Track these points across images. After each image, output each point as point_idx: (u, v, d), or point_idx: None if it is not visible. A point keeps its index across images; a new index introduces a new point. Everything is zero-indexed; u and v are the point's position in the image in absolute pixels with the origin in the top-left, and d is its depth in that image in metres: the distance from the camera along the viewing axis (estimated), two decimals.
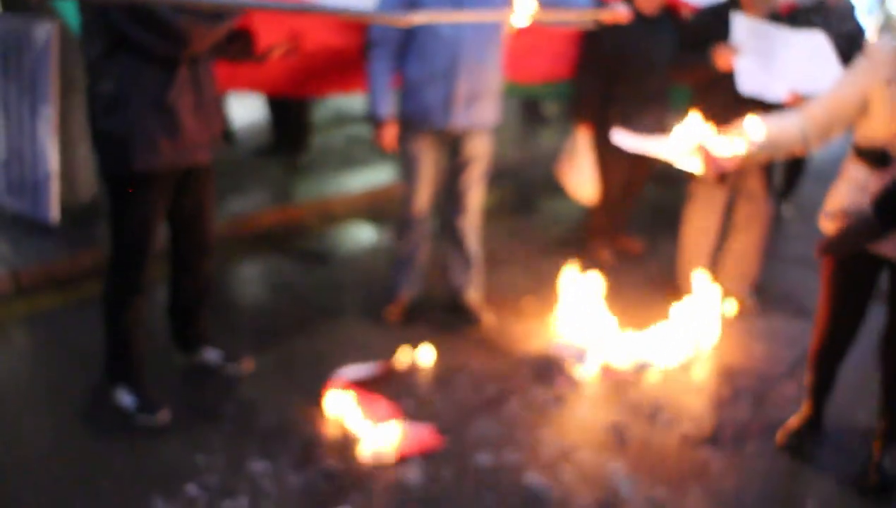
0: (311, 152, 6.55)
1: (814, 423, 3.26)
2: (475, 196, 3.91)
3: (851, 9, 4.03)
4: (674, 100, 5.00)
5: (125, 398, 3.12)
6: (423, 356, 3.68)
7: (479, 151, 3.81)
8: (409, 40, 3.54)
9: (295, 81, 4.02)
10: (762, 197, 4.24)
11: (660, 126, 4.85)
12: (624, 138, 3.01)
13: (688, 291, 4.23)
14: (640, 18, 4.50)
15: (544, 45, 4.52)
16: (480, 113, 3.68)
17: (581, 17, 3.75)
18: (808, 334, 4.18)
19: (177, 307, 3.39)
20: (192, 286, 3.33)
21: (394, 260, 4.04)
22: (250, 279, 4.70)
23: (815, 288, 4.79)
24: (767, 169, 4.19)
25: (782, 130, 2.77)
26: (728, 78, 3.88)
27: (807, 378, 3.24)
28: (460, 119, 3.63)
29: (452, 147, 3.78)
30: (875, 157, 2.71)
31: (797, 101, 3.82)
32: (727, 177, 3.99)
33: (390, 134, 3.66)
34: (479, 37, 3.54)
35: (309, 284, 4.52)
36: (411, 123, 3.68)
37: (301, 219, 5.41)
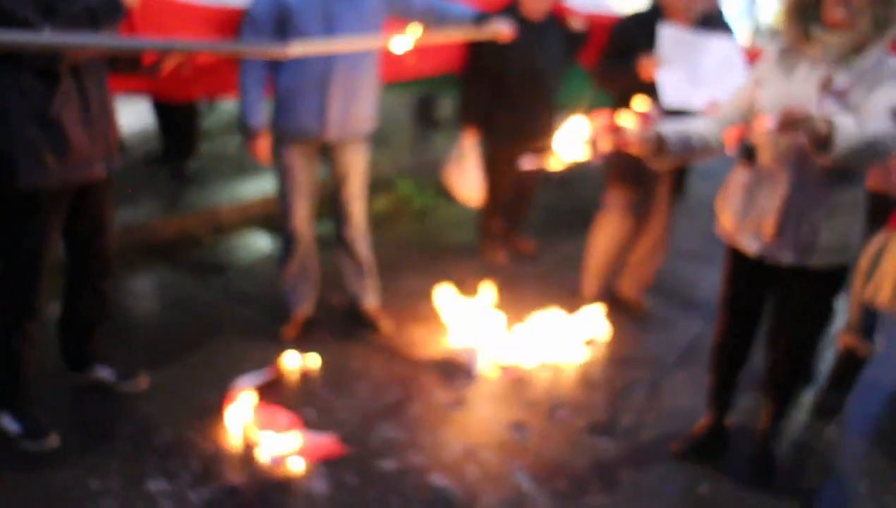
0: (202, 159, 6.40)
1: (716, 433, 3.28)
2: (359, 205, 3.88)
3: (720, 14, 4.18)
4: (563, 105, 5.13)
5: (11, 425, 2.99)
6: (311, 360, 3.68)
7: (357, 161, 3.77)
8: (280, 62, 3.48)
9: (183, 84, 3.92)
10: (667, 203, 4.30)
11: (547, 130, 4.98)
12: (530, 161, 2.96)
13: (591, 297, 4.34)
14: (525, 23, 4.58)
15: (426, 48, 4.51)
16: (355, 121, 3.64)
17: (463, 34, 3.72)
18: (696, 323, 4.43)
19: (71, 325, 3.26)
20: (91, 306, 3.21)
21: (284, 277, 3.95)
22: (143, 292, 4.57)
23: (700, 280, 5.08)
24: (674, 175, 4.22)
25: (698, 133, 2.81)
26: (653, 88, 3.82)
27: (707, 380, 3.28)
28: (335, 128, 3.59)
29: (328, 156, 3.74)
30: (744, 152, 2.84)
31: (715, 109, 3.95)
32: (635, 173, 4.00)
33: (264, 144, 3.59)
34: (350, 59, 3.50)
35: (204, 296, 4.43)
36: (285, 134, 3.63)
37: (194, 229, 5.28)
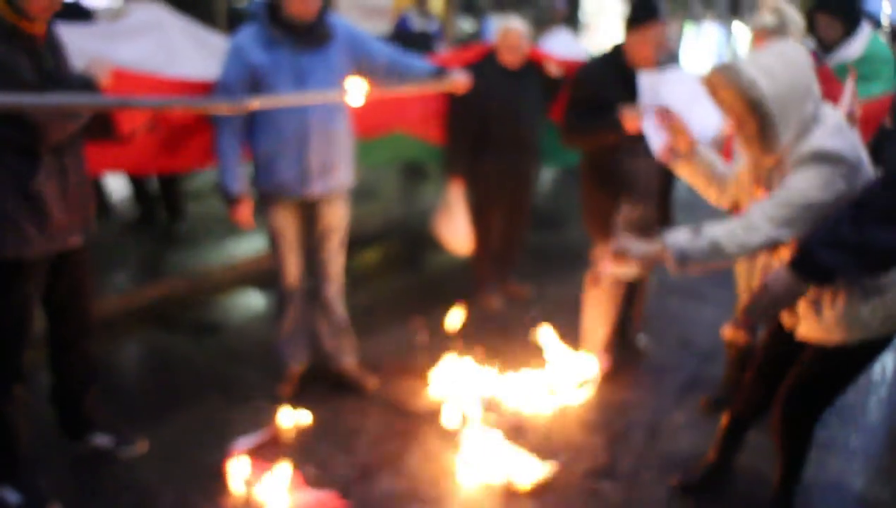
0: (190, 220, 6.44)
1: (718, 471, 3.26)
2: (338, 263, 3.90)
3: (676, 56, 4.23)
4: (547, 152, 5.21)
5: (10, 495, 2.96)
6: (304, 417, 3.66)
7: (338, 219, 3.79)
8: (255, 113, 3.52)
9: (160, 158, 4.01)
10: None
11: (533, 175, 5.06)
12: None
13: (603, 361, 4.22)
14: (503, 71, 4.70)
15: (399, 101, 4.58)
16: (335, 177, 3.66)
17: (420, 88, 3.77)
18: (691, 362, 4.45)
19: (61, 392, 3.26)
20: (76, 369, 3.23)
21: (279, 335, 3.94)
22: (138, 356, 4.57)
23: (694, 319, 5.11)
24: (661, 212, 4.18)
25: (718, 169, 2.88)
26: (632, 140, 3.71)
27: (721, 427, 3.23)
28: (316, 186, 3.61)
29: (310, 214, 3.75)
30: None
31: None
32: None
33: (245, 209, 3.62)
34: (321, 111, 3.54)
35: (200, 357, 4.43)
36: (268, 196, 3.66)
37: (186, 291, 5.30)
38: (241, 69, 3.43)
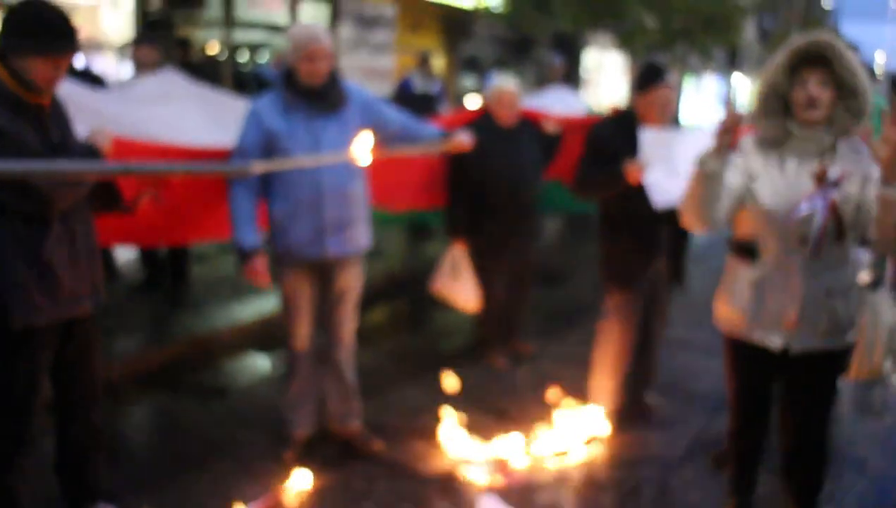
0: (195, 283, 6.47)
1: None
2: (351, 326, 3.89)
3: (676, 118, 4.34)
4: (546, 206, 5.26)
5: None
6: (310, 481, 3.61)
7: (353, 281, 3.80)
8: (270, 176, 3.55)
9: (168, 230, 4.07)
10: (666, 300, 4.27)
11: (534, 233, 5.09)
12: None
13: (613, 412, 4.20)
14: (499, 130, 4.77)
15: (411, 172, 4.71)
16: (352, 240, 3.68)
17: (426, 149, 3.83)
18: (699, 416, 4.41)
19: (65, 461, 3.22)
20: (82, 437, 3.19)
21: (286, 399, 3.90)
22: (143, 421, 4.55)
23: (701, 371, 5.08)
24: (671, 266, 4.16)
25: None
26: (640, 191, 3.81)
27: (729, 470, 3.29)
28: (332, 248, 3.62)
29: (325, 276, 3.74)
30: (744, 251, 2.91)
31: None
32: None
33: (261, 266, 3.55)
34: (341, 165, 3.55)
35: (206, 421, 4.40)
36: (284, 259, 3.66)
37: (191, 354, 5.29)
38: (258, 134, 3.49)
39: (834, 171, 2.68)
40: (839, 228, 2.68)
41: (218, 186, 3.90)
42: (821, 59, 2.69)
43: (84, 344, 3.08)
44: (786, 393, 3.04)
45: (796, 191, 2.71)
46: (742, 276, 2.92)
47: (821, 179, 2.67)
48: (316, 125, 3.52)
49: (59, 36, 2.65)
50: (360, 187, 3.69)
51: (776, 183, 2.77)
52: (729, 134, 2.66)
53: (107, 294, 3.14)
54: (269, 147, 3.49)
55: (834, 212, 2.66)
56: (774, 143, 2.80)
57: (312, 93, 3.51)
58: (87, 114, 3.28)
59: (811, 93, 2.68)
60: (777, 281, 2.82)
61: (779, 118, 2.77)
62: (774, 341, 2.87)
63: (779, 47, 2.84)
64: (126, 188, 3.25)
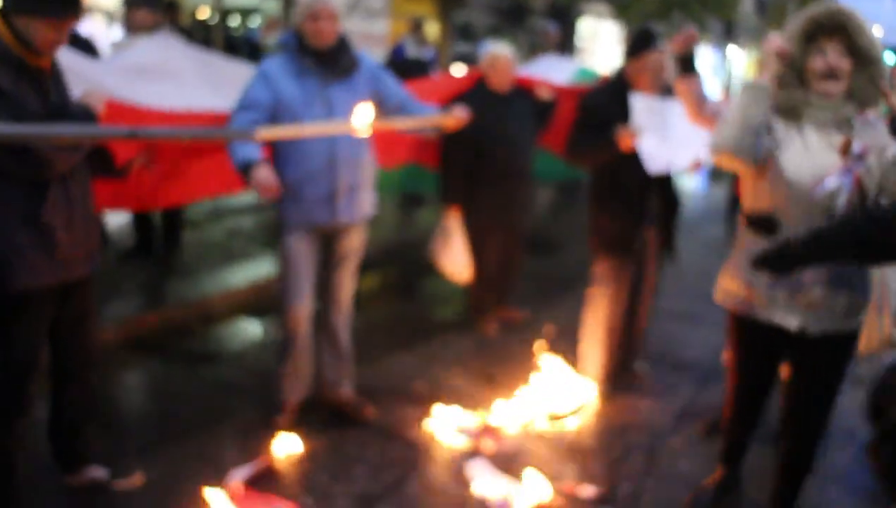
0: (187, 249, 6.45)
1: (727, 486, 3.28)
2: (349, 290, 3.88)
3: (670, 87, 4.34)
4: (538, 175, 5.25)
5: None
6: (301, 447, 3.63)
7: (356, 246, 3.79)
8: (281, 142, 3.52)
9: (158, 194, 4.03)
10: (654, 267, 4.27)
11: (528, 200, 5.08)
12: None
13: (601, 379, 4.22)
14: (493, 96, 4.75)
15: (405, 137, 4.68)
16: (361, 206, 3.68)
17: (422, 123, 3.80)
18: (688, 386, 4.45)
19: (61, 424, 3.23)
20: (78, 400, 3.20)
21: (283, 368, 3.86)
22: (134, 386, 4.55)
23: (690, 341, 5.11)
24: (662, 235, 4.19)
25: None
26: (632, 158, 3.87)
27: (722, 441, 3.30)
28: (344, 214, 3.61)
29: (330, 241, 3.74)
30: (764, 225, 2.80)
31: (698, 167, 4.06)
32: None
33: (267, 173, 3.31)
34: (351, 142, 3.56)
35: (196, 387, 4.40)
36: (293, 224, 3.61)
37: (183, 320, 5.28)
38: (267, 93, 3.44)
39: (857, 145, 2.61)
40: (862, 203, 2.62)
41: (211, 152, 3.87)
42: (839, 28, 2.63)
43: (81, 308, 3.08)
44: (793, 377, 2.96)
45: (820, 164, 2.63)
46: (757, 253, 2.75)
47: (846, 152, 2.61)
48: (329, 91, 3.49)
49: (63, 0, 2.62)
50: (368, 153, 3.69)
51: (799, 154, 2.68)
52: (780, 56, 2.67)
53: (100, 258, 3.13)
54: (277, 110, 3.44)
55: (859, 186, 2.60)
56: (791, 113, 2.73)
57: (326, 57, 3.48)
58: (83, 83, 3.24)
59: (831, 63, 2.63)
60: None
61: (795, 88, 2.71)
62: (791, 322, 2.77)
63: (776, 19, 2.82)
64: (118, 153, 3.23)
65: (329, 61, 3.49)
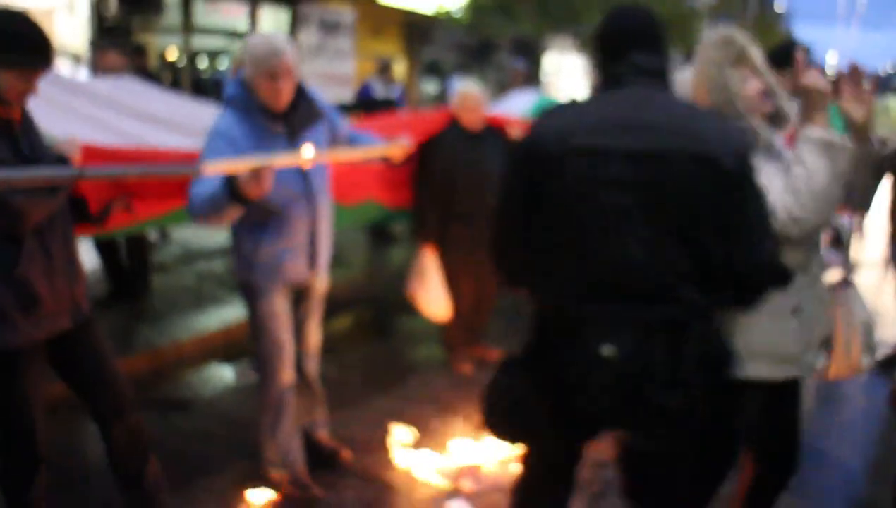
0: (156, 295, 6.37)
1: None
2: (318, 334, 3.80)
3: None
4: None
5: None
6: (270, 493, 3.56)
7: (322, 291, 3.71)
8: (266, 216, 3.27)
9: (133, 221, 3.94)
10: None
11: None
12: None
13: None
14: (465, 135, 4.78)
15: (364, 170, 4.61)
16: (328, 255, 3.59)
17: (369, 153, 3.65)
18: None
19: (119, 468, 3.15)
20: (126, 442, 3.09)
21: (277, 439, 3.59)
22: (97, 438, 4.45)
23: None
24: None
25: None
26: None
27: None
28: (318, 269, 3.52)
29: (299, 293, 3.61)
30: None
31: None
32: None
33: (247, 178, 2.85)
34: (324, 195, 3.44)
35: (169, 436, 4.32)
36: (266, 287, 3.40)
37: (154, 367, 5.21)
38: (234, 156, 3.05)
39: None
40: None
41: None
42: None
43: (93, 354, 3.00)
44: (763, 417, 2.82)
45: None
46: (774, 307, 2.44)
47: None
48: (297, 145, 3.20)
49: (32, 50, 2.56)
50: (330, 200, 3.57)
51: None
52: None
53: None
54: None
55: None
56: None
57: (289, 115, 3.24)
58: (60, 112, 3.19)
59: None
60: (811, 302, 2.62)
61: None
62: (789, 370, 2.63)
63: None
64: (92, 199, 3.17)
65: (293, 118, 3.26)
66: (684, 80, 2.70)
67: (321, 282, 3.67)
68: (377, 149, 3.64)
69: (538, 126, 2.26)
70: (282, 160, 2.96)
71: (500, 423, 2.45)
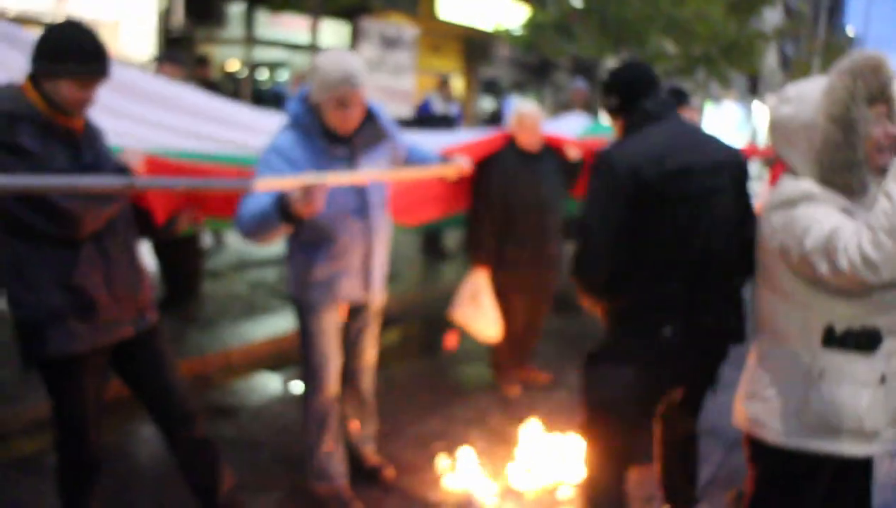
0: (207, 301, 6.42)
1: None
2: (374, 352, 3.78)
3: None
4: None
5: None
6: None
7: (378, 307, 3.67)
8: (315, 238, 3.26)
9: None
10: None
11: (557, 261, 5.01)
12: None
13: None
14: (523, 156, 4.72)
15: (426, 189, 4.57)
16: (383, 274, 3.54)
17: (424, 174, 3.63)
18: (716, 451, 4.31)
19: (190, 477, 3.16)
20: (194, 453, 3.11)
21: (320, 453, 3.55)
22: (150, 442, 4.49)
23: (719, 405, 4.96)
24: None
25: None
26: None
27: None
28: (374, 288, 3.49)
29: (355, 309, 3.60)
30: (863, 341, 2.31)
31: None
32: None
33: (298, 197, 2.80)
34: (381, 214, 3.40)
35: (216, 441, 4.33)
36: (320, 305, 3.37)
37: (202, 374, 5.25)
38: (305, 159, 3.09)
39: None
40: None
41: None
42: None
43: (154, 363, 3.00)
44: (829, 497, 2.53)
45: None
46: (858, 375, 2.28)
47: None
48: (359, 166, 3.22)
49: (90, 59, 2.58)
50: (389, 222, 3.54)
51: None
52: None
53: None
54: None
55: None
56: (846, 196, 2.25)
57: (353, 137, 3.20)
58: (126, 118, 3.21)
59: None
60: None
61: (859, 175, 2.21)
62: (868, 447, 2.34)
63: (800, 73, 2.72)
64: (156, 211, 3.19)
65: (356, 141, 3.22)
66: (784, 115, 2.34)
67: (377, 299, 3.63)
68: (434, 170, 3.60)
69: (619, 159, 2.70)
70: (335, 178, 2.92)
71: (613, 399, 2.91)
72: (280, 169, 3.03)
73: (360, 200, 3.26)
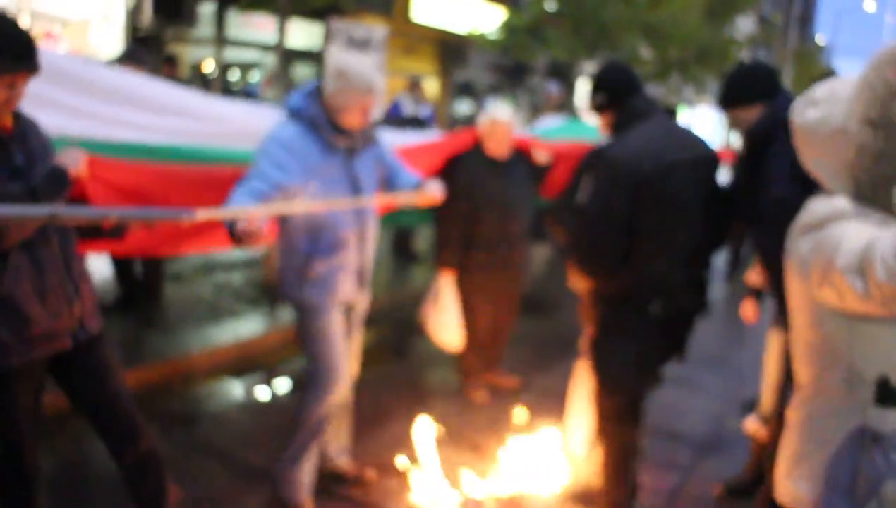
0: (169, 305, 6.28)
1: None
2: (357, 355, 3.70)
3: None
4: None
5: None
6: None
7: (363, 309, 3.65)
8: (319, 234, 3.26)
9: (159, 245, 3.80)
10: None
11: (523, 267, 4.93)
12: None
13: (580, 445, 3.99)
14: (491, 162, 4.63)
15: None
16: (371, 273, 3.55)
17: (395, 200, 3.66)
18: (684, 456, 4.25)
19: (136, 491, 3.02)
20: (138, 464, 2.96)
21: (300, 456, 3.43)
22: (103, 448, 4.35)
23: (689, 409, 4.92)
24: None
25: None
26: None
27: None
28: (364, 285, 3.50)
29: (347, 309, 3.53)
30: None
31: None
32: None
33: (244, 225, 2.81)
34: (372, 217, 3.43)
35: (173, 450, 4.19)
36: (324, 305, 3.34)
37: (162, 379, 5.10)
38: (304, 172, 3.12)
39: None
40: None
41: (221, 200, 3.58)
42: None
43: (98, 373, 2.84)
44: None
45: None
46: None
47: None
48: (354, 166, 3.30)
49: (15, 54, 2.39)
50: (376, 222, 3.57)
51: None
52: None
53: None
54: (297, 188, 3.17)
55: None
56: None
57: (355, 135, 3.30)
58: (69, 112, 3.10)
59: None
60: None
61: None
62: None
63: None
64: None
65: (356, 136, 3.31)
66: (811, 121, 1.81)
67: (363, 301, 3.59)
68: (406, 196, 3.58)
69: (621, 155, 2.97)
70: (285, 207, 3.05)
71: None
72: (281, 160, 3.08)
73: (353, 190, 3.30)
